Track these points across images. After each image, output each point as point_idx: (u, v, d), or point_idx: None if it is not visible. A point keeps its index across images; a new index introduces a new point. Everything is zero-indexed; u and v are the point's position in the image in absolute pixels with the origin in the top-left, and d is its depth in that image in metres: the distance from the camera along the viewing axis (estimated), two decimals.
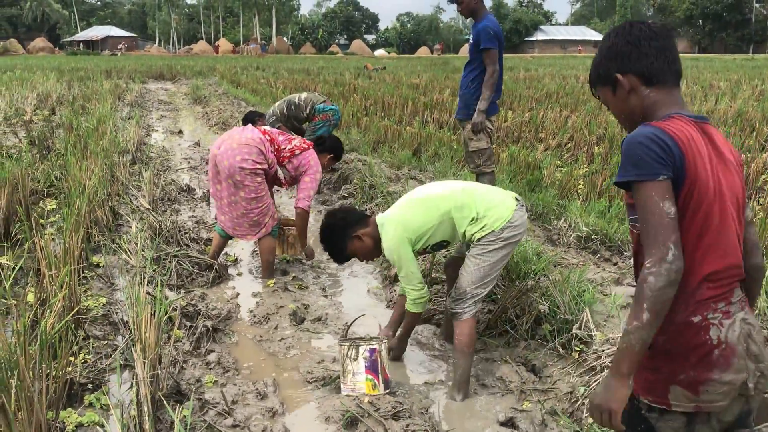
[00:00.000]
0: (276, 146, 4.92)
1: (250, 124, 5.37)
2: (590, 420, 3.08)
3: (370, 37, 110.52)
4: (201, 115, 16.05)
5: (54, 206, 6.52)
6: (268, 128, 5.10)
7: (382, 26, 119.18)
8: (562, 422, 3.19)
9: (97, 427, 3.02)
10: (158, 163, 9.20)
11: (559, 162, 8.31)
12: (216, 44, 76.05)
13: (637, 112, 1.88)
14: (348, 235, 3.63)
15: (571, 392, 3.38)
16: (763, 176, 6.93)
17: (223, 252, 5.60)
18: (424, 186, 3.80)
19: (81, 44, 79.30)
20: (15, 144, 9.56)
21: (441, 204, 3.48)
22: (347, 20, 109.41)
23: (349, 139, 10.24)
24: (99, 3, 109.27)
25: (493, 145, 9.17)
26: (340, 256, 3.78)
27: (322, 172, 5.23)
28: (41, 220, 5.76)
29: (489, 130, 5.55)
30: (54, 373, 2.91)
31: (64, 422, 2.95)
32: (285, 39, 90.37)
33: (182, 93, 22.87)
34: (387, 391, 3.43)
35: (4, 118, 12.38)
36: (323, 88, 17.79)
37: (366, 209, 6.54)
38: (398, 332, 3.86)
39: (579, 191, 6.58)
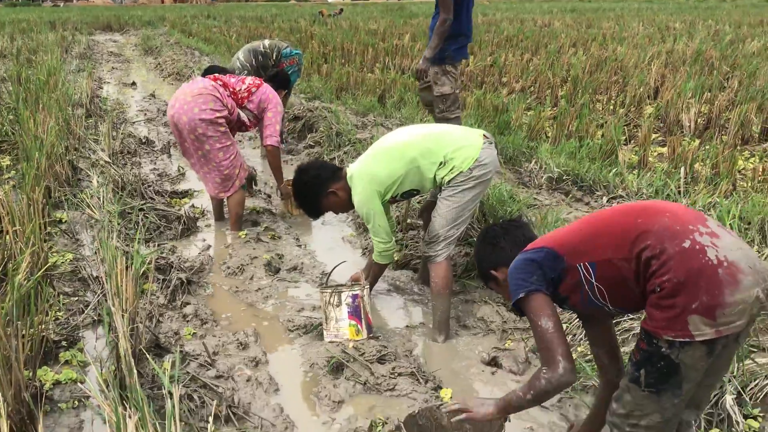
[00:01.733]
0: (231, 89, 4.76)
1: (198, 76, 5.19)
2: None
3: None
4: (153, 66, 15.52)
5: (8, 162, 6.27)
6: (217, 75, 4.93)
7: None
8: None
9: (77, 384, 2.94)
10: (114, 115, 8.88)
11: (525, 105, 8.27)
12: None
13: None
14: (323, 192, 3.55)
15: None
16: (725, 114, 7.00)
17: (190, 204, 5.48)
18: (390, 134, 3.69)
19: None
20: None
21: (406, 152, 3.39)
22: None
23: (311, 86, 10.04)
24: None
25: (458, 91, 9.13)
26: (316, 211, 3.71)
27: (282, 106, 5.08)
28: (6, 176, 5.52)
29: (453, 75, 5.47)
30: (27, 331, 2.80)
31: (41, 380, 2.86)
32: None
33: (132, 44, 22.04)
34: (370, 335, 3.42)
35: None
36: (279, 36, 17.33)
37: (334, 158, 6.43)
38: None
39: (547, 133, 6.56)
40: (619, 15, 25.54)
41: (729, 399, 2.56)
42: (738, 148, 6.31)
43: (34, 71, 10.57)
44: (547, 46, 13.78)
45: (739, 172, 5.24)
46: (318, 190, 3.56)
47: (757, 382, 2.65)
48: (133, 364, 2.48)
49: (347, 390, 2.99)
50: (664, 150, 6.12)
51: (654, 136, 6.88)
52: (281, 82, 5.34)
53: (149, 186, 5.73)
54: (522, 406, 2.10)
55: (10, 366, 2.36)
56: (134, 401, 2.11)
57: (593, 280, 1.97)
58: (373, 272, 3.79)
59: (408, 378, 3.06)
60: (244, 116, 4.85)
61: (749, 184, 4.72)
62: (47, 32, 21.39)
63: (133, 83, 12.72)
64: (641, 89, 8.53)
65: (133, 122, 8.95)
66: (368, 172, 3.43)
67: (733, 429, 2.51)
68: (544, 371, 1.99)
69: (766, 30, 17.03)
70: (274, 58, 6.74)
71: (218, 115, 4.58)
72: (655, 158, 5.93)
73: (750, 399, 2.62)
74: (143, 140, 7.69)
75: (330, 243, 4.95)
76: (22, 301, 2.73)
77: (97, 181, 5.47)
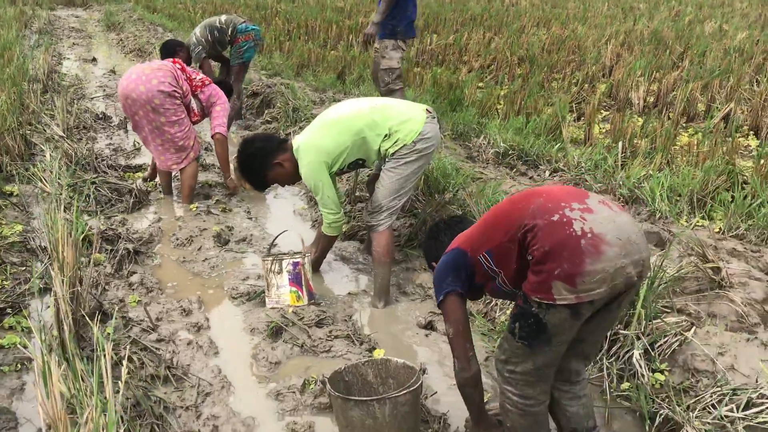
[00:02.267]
0: (188, 75, 4.84)
1: (156, 60, 5.23)
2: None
3: None
4: (115, 42, 15.32)
5: None
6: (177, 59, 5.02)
7: None
8: (477, 322, 3.37)
9: (19, 347, 3.02)
10: (72, 91, 8.81)
11: (481, 83, 8.39)
12: None
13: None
14: (268, 163, 3.58)
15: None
16: (673, 93, 7.20)
17: (143, 177, 5.53)
18: (335, 106, 3.76)
19: None
20: None
21: (353, 124, 3.46)
22: None
23: (272, 63, 10.04)
24: None
25: (417, 69, 9.22)
26: (262, 184, 3.75)
27: (229, 104, 5.22)
28: None
29: (402, 50, 5.61)
30: None
31: None
32: None
33: (95, 20, 21.64)
34: (311, 301, 3.54)
35: None
36: (244, 13, 17.18)
37: (290, 133, 6.50)
38: (316, 254, 3.92)
39: (499, 110, 6.70)
40: None
41: (636, 354, 2.74)
42: (684, 125, 6.52)
43: None
44: (510, 25, 13.88)
45: (681, 147, 5.43)
46: (263, 162, 3.59)
47: (666, 339, 2.82)
48: (72, 326, 2.57)
49: (285, 352, 3.12)
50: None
51: (606, 113, 7.06)
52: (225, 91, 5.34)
53: (103, 160, 5.75)
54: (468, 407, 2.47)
55: None
56: (66, 357, 2.20)
57: (494, 267, 2.15)
58: (322, 245, 3.89)
59: (344, 340, 3.20)
60: (194, 104, 4.91)
61: (684, 159, 4.91)
62: (6, 6, 20.94)
63: (94, 59, 12.57)
64: (594, 68, 8.71)
65: (92, 98, 8.90)
66: (315, 144, 3.48)
67: (640, 381, 2.69)
68: (456, 365, 2.33)
69: (725, 11, 17.33)
70: (230, 33, 6.75)
71: (175, 89, 4.65)
72: (602, 134, 6.10)
73: (659, 355, 2.80)
74: (100, 116, 7.67)
75: (281, 216, 5.05)
76: None
77: (51, 156, 5.48)
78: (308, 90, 8.13)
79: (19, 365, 2.95)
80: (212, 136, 5.07)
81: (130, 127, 7.30)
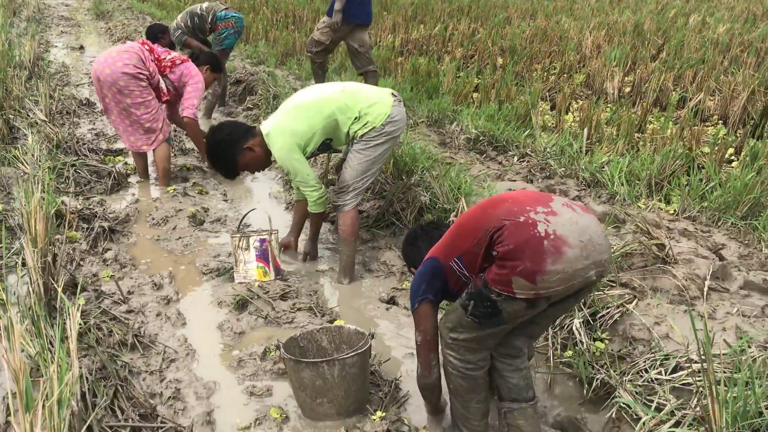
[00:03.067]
0: (156, 56, 4.94)
1: (128, 43, 5.32)
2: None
3: None
4: (104, 31, 15.37)
5: None
6: (146, 40, 5.14)
7: None
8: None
9: None
10: (57, 78, 8.92)
11: (461, 73, 8.52)
12: None
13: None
14: (238, 149, 3.62)
15: None
16: (646, 84, 7.35)
17: (124, 161, 5.65)
18: (303, 91, 3.82)
19: None
20: None
21: (324, 107, 3.54)
22: None
23: (257, 52, 10.15)
24: None
25: (400, 58, 9.36)
26: (232, 171, 3.77)
27: (204, 83, 5.16)
28: None
29: (337, 32, 6.18)
30: None
31: None
32: None
33: (85, 8, 21.66)
34: (278, 277, 3.69)
35: None
36: (233, 2, 17.27)
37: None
38: (309, 234, 4.06)
39: (474, 98, 6.84)
40: None
41: (576, 323, 2.90)
42: (655, 113, 6.68)
43: None
44: (497, 15, 14.00)
45: (645, 135, 5.59)
46: (232, 148, 3.62)
47: (608, 311, 2.98)
48: (43, 295, 2.71)
49: (249, 323, 3.26)
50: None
51: (581, 102, 7.21)
52: (204, 60, 5.37)
53: (84, 144, 5.87)
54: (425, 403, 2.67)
55: None
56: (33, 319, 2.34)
57: (465, 272, 2.26)
58: (312, 223, 4.02)
59: (306, 312, 3.34)
60: (163, 84, 4.98)
61: (648, 146, 5.06)
62: None
63: (81, 47, 12.65)
64: (572, 58, 8.85)
65: (77, 85, 8.99)
66: (287, 128, 3.53)
67: (578, 348, 2.85)
68: (419, 372, 2.51)
69: (711, 5, 17.48)
70: (210, 20, 6.86)
71: (140, 72, 4.76)
72: (576, 123, 6.25)
73: (600, 326, 2.95)
74: (84, 102, 7.77)
75: (257, 199, 5.18)
76: None
77: (33, 139, 5.59)
78: (291, 78, 8.25)
79: None
80: (182, 117, 5.10)
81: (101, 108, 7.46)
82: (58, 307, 3.15)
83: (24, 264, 3.69)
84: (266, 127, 3.64)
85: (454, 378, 2.36)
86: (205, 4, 7.12)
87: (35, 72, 9.01)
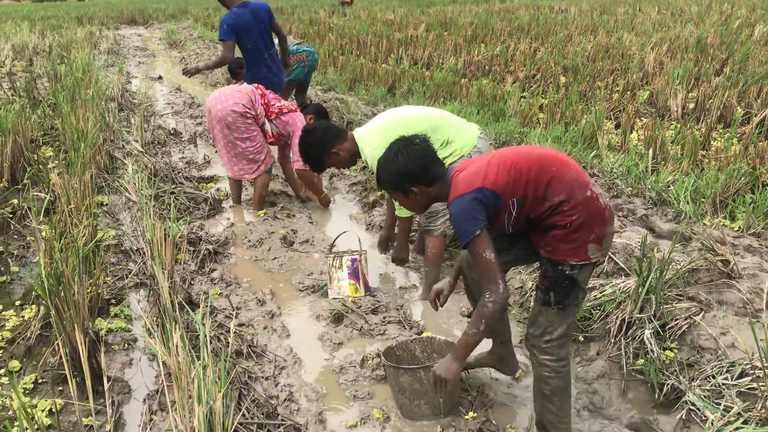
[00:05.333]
0: (266, 101, 5.41)
1: (243, 84, 5.72)
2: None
3: None
4: (178, 60, 16.23)
5: (51, 153, 6.97)
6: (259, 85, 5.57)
7: None
8: (514, 311, 3.84)
9: (126, 332, 3.62)
10: (144, 109, 9.59)
11: (524, 94, 8.80)
12: None
13: (426, 202, 2.75)
14: (326, 153, 3.91)
15: (521, 287, 4.02)
16: (710, 101, 7.48)
17: (216, 188, 6.15)
18: (399, 108, 4.11)
19: None
20: (0, 96, 9.85)
21: (418, 125, 3.73)
22: None
23: (327, 78, 10.65)
24: None
25: (464, 80, 9.69)
26: (319, 167, 4.05)
27: None
28: (50, 165, 6.23)
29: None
30: (86, 286, 3.47)
31: (98, 328, 3.54)
32: None
33: (157, 38, 22.83)
34: (367, 293, 4.06)
35: None
36: (298, 28, 17.96)
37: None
38: (397, 239, 4.42)
39: (540, 119, 7.12)
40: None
41: (647, 333, 3.16)
42: (720, 130, 6.82)
43: (68, 68, 11.32)
44: (557, 34, 14.21)
45: (709, 153, 5.77)
46: (323, 150, 3.90)
47: (677, 322, 3.24)
48: (172, 311, 3.14)
49: (346, 335, 3.64)
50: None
51: (646, 120, 7.39)
52: (312, 110, 5.72)
53: (179, 172, 6.42)
54: (478, 338, 2.54)
55: (78, 309, 3.03)
56: (172, 324, 2.76)
57: (514, 212, 2.49)
58: (400, 228, 4.38)
59: (396, 325, 3.70)
60: (268, 126, 5.46)
61: (713, 163, 5.26)
62: (75, 28, 22.26)
63: (160, 77, 13.43)
64: (634, 76, 9.02)
65: (161, 115, 9.65)
66: (380, 136, 3.73)
67: (649, 357, 3.12)
68: (487, 296, 2.44)
69: None
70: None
71: (247, 111, 5.25)
72: (640, 141, 6.46)
73: (669, 336, 3.21)
74: (172, 131, 8.38)
75: (338, 220, 5.59)
76: (81, 260, 3.40)
77: (132, 169, 6.15)
78: (360, 104, 8.69)
79: (126, 345, 3.54)
80: (295, 171, 5.58)
81: (200, 141, 8.04)
82: (178, 320, 3.60)
83: (141, 283, 4.20)
84: (360, 133, 3.92)
85: (553, 381, 2.65)
86: (277, 40, 7.60)
87: (123, 104, 9.73)
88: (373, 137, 3.81)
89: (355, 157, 3.98)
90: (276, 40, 6.46)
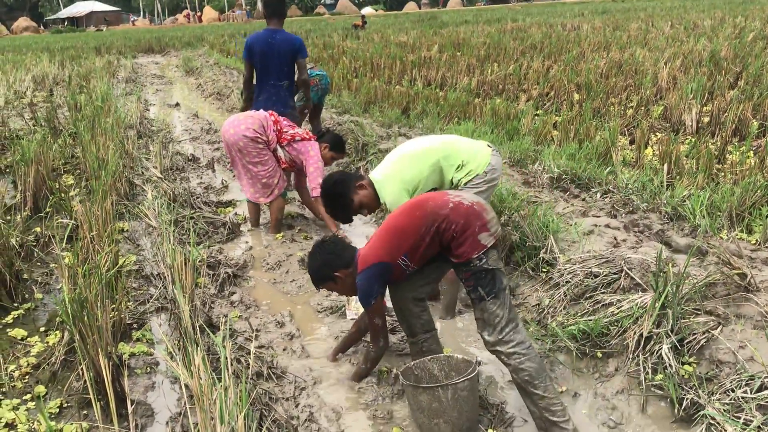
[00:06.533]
0: (279, 127, 5.51)
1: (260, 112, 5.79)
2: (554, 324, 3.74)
3: None
4: (195, 87, 16.50)
5: (72, 181, 7.11)
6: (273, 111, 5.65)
7: None
8: (531, 328, 3.84)
9: (148, 356, 3.68)
10: (161, 135, 9.76)
11: (538, 112, 8.84)
12: (197, 13, 74.90)
13: (351, 282, 3.21)
14: (349, 199, 3.90)
15: (538, 304, 4.04)
16: (725, 114, 7.48)
17: (234, 212, 6.23)
18: (410, 141, 4.20)
19: (65, 21, 78.49)
20: (22, 126, 10.06)
21: (430, 156, 3.91)
22: None
23: (341, 101, 10.76)
24: None
25: (477, 99, 9.76)
26: (347, 218, 4.12)
27: (323, 162, 5.56)
28: (71, 193, 6.36)
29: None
30: (109, 310, 3.54)
31: (121, 352, 3.60)
32: None
33: (173, 65, 23.24)
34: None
35: (5, 101, 12.83)
36: (312, 52, 18.17)
37: (359, 167, 7.13)
38: None
39: (554, 137, 7.15)
40: (649, 15, 25.73)
41: (665, 348, 3.16)
42: (735, 144, 6.81)
43: (88, 97, 11.56)
44: (569, 51, 14.26)
45: (725, 166, 5.77)
46: (345, 199, 3.91)
47: (695, 336, 3.24)
48: (193, 335, 3.19)
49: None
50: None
51: (660, 136, 7.40)
52: (328, 139, 5.74)
53: (197, 198, 6.52)
54: (366, 372, 3.45)
55: (102, 334, 3.09)
56: (194, 347, 2.81)
57: (408, 263, 3.03)
58: None
59: None
60: (280, 152, 5.56)
61: (728, 177, 5.25)
62: (94, 58, 22.71)
63: (177, 104, 13.66)
64: (648, 92, 9.04)
65: (179, 141, 9.81)
66: (397, 176, 3.86)
67: (668, 371, 3.11)
68: (373, 349, 3.33)
69: None
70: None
71: (258, 136, 5.35)
72: (654, 156, 6.47)
73: (688, 350, 3.21)
74: (190, 157, 8.51)
75: (356, 242, 5.62)
76: (103, 286, 3.47)
77: (152, 195, 6.26)
78: (375, 126, 8.77)
79: (148, 368, 3.60)
80: (312, 198, 5.64)
81: (217, 166, 8.17)
82: (199, 343, 3.65)
83: (162, 307, 4.27)
84: (378, 174, 3.97)
85: (525, 364, 2.86)
86: None
87: (142, 131, 9.90)
88: (392, 180, 3.88)
89: (377, 201, 3.96)
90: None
